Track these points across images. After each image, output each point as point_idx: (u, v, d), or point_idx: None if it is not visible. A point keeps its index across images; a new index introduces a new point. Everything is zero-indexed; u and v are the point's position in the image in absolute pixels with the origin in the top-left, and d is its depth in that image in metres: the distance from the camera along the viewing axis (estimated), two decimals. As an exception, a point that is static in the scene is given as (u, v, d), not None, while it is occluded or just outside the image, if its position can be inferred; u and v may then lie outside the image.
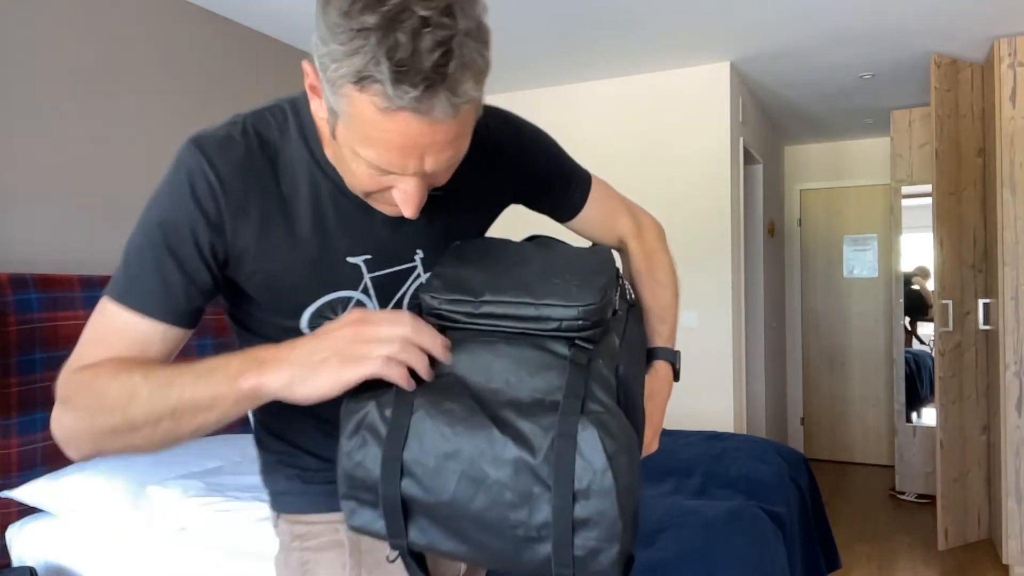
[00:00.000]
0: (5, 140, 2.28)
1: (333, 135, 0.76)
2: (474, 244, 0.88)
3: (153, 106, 2.76)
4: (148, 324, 0.79)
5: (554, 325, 0.74)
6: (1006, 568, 3.36)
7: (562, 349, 0.74)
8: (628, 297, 0.91)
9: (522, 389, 0.73)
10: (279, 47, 3.34)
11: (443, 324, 0.77)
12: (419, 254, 0.92)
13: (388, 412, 0.73)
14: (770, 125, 5.06)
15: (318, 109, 0.78)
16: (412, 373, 0.73)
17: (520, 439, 0.69)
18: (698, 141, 3.86)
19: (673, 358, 1.05)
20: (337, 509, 0.92)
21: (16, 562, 2.10)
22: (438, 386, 0.73)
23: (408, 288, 0.93)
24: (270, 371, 0.70)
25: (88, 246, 2.51)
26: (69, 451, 0.78)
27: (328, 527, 0.95)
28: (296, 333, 0.88)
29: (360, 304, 0.90)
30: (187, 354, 0.74)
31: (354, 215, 0.87)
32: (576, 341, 0.75)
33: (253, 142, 0.82)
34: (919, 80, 4.08)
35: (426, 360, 0.73)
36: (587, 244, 1.08)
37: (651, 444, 0.99)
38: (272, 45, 3.30)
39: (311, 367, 0.70)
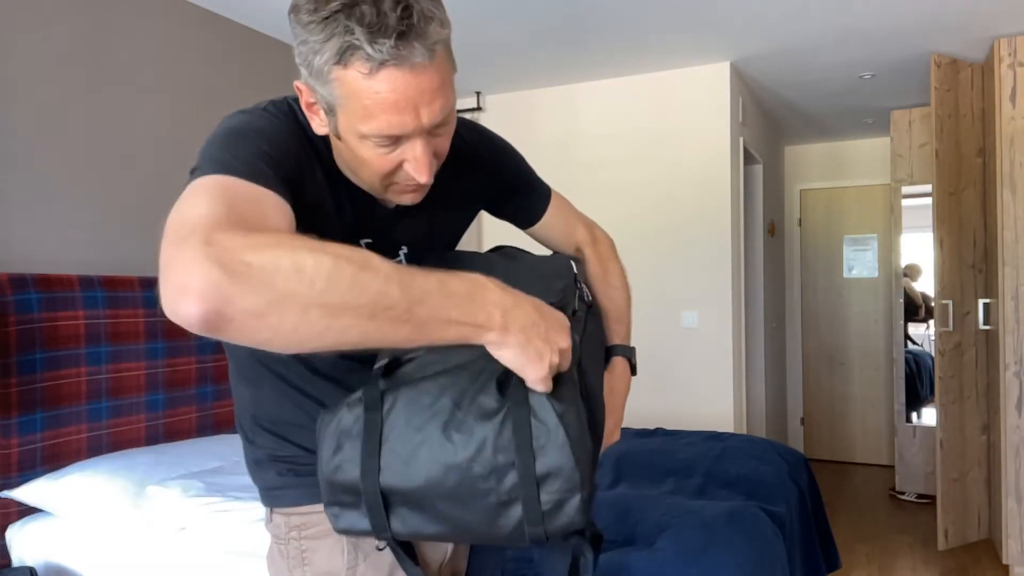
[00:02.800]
0: (5, 140, 2.28)
1: (337, 135, 0.81)
2: (447, 257, 0.97)
3: (153, 106, 2.76)
4: (274, 196, 0.73)
5: None
6: (1006, 568, 3.36)
7: None
8: (586, 299, 0.99)
9: (480, 372, 0.78)
10: (280, 47, 3.34)
11: None
12: (404, 250, 1.00)
13: (359, 412, 0.78)
14: (770, 125, 5.05)
15: (319, 126, 0.84)
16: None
17: (481, 414, 0.76)
18: (698, 141, 3.86)
19: (629, 354, 1.14)
20: None
21: (16, 562, 2.10)
22: (404, 377, 0.79)
23: None
24: (510, 335, 0.72)
25: (88, 246, 2.51)
26: (191, 305, 0.59)
27: (324, 516, 0.98)
28: None
29: None
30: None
31: (362, 203, 0.94)
32: None
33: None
34: (919, 80, 4.08)
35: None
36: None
37: (612, 434, 1.07)
38: (273, 45, 3.30)
39: (528, 344, 0.73)
